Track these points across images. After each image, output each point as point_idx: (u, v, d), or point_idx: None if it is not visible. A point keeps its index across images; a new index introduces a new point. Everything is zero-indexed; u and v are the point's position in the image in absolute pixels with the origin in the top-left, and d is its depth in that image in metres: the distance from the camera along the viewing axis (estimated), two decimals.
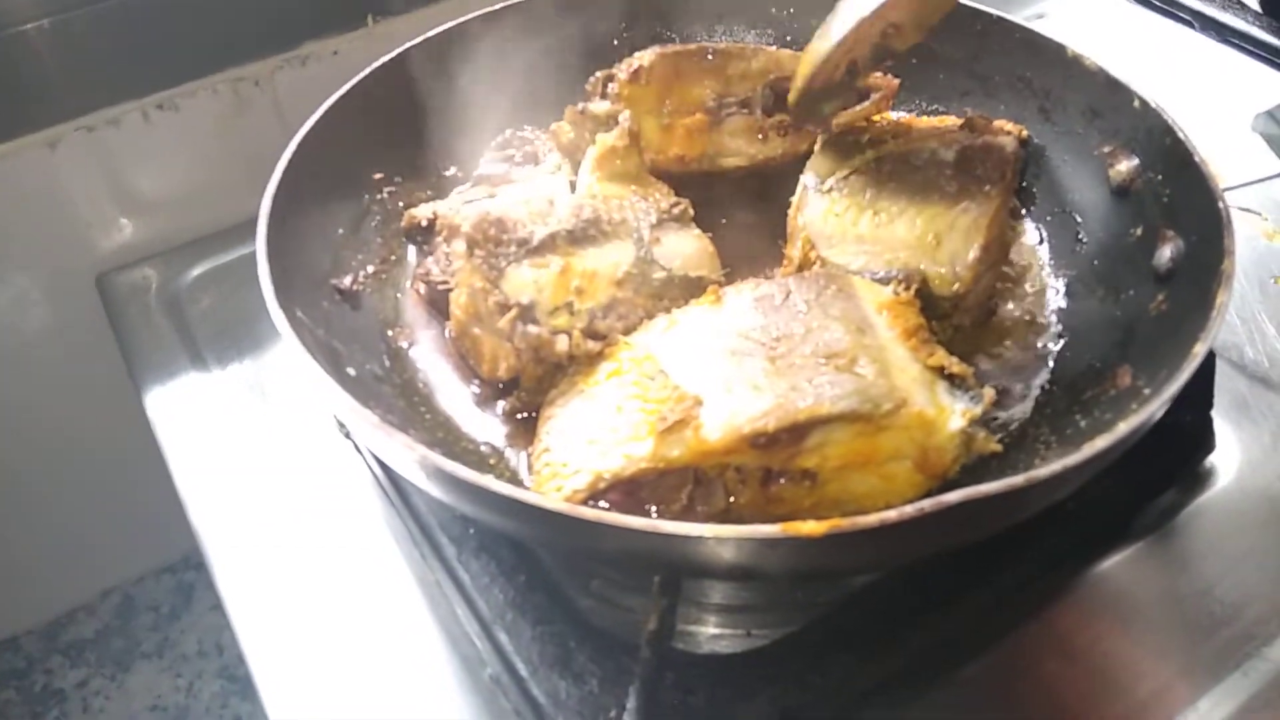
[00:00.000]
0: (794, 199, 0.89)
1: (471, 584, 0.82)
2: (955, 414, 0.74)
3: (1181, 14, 1.45)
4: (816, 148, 0.93)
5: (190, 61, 1.21)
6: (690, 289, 0.84)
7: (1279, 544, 0.84)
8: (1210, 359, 0.85)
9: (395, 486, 0.91)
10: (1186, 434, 0.89)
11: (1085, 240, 0.95)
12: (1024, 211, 1.00)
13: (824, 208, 0.86)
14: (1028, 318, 0.91)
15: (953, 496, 0.58)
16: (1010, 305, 0.93)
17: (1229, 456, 0.90)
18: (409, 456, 0.64)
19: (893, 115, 1.04)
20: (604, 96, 1.01)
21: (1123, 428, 0.64)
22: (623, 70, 1.00)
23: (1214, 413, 0.89)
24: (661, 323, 0.81)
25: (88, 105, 1.18)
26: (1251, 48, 1.37)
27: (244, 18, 1.20)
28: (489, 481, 0.61)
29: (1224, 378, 0.93)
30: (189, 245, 1.22)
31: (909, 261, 0.83)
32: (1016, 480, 0.60)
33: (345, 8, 1.27)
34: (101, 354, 1.18)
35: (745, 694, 0.74)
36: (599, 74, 1.02)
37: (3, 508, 1.46)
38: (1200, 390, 0.87)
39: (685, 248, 0.86)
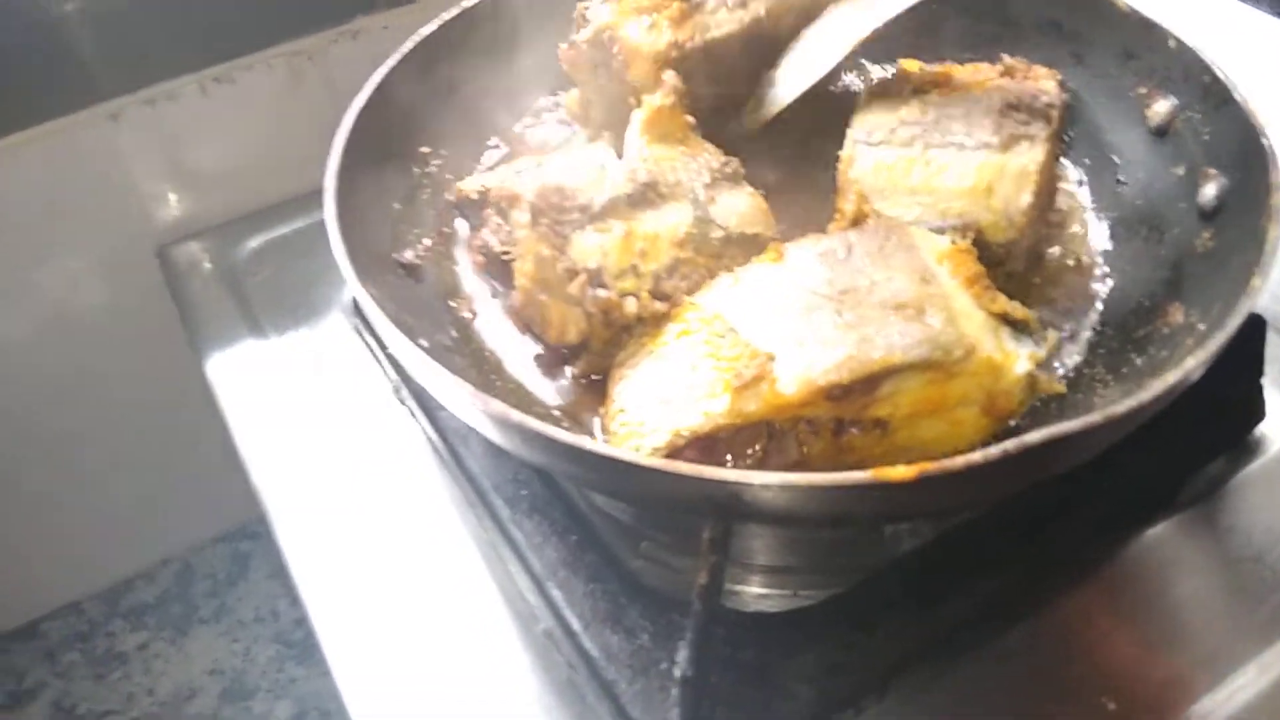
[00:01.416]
0: (843, 153, 0.90)
1: (525, 543, 0.85)
2: (1021, 358, 0.76)
3: None
4: (862, 99, 0.95)
5: (246, 36, 1.23)
6: (748, 246, 0.86)
7: None
8: (1261, 326, 0.86)
9: (450, 451, 0.94)
10: (1236, 402, 0.90)
11: (1126, 182, 0.97)
12: (1062, 155, 1.02)
13: (875, 161, 0.88)
14: (1074, 261, 0.93)
15: (1035, 437, 0.61)
16: (1056, 249, 0.94)
17: (1275, 430, 0.91)
18: (506, 421, 0.66)
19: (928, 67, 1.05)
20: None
21: (1190, 362, 0.66)
22: None
23: (1265, 381, 0.90)
24: (726, 281, 0.82)
25: (147, 79, 1.20)
26: None
27: None
28: (585, 442, 0.64)
29: (1276, 347, 0.92)
30: (246, 218, 1.25)
31: (963, 211, 0.85)
32: (1094, 418, 0.62)
33: None
34: (162, 325, 1.21)
35: (791, 651, 0.77)
36: (579, 6, 1.00)
37: (68, 477, 1.51)
38: (1250, 358, 0.88)
39: (740, 205, 0.88)
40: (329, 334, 1.09)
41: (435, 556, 0.88)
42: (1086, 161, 1.01)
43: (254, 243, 1.23)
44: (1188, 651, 0.78)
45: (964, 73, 0.95)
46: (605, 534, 0.86)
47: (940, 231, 0.84)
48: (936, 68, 0.97)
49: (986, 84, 0.92)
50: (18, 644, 1.73)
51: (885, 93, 0.93)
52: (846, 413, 0.74)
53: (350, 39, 1.28)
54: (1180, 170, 0.91)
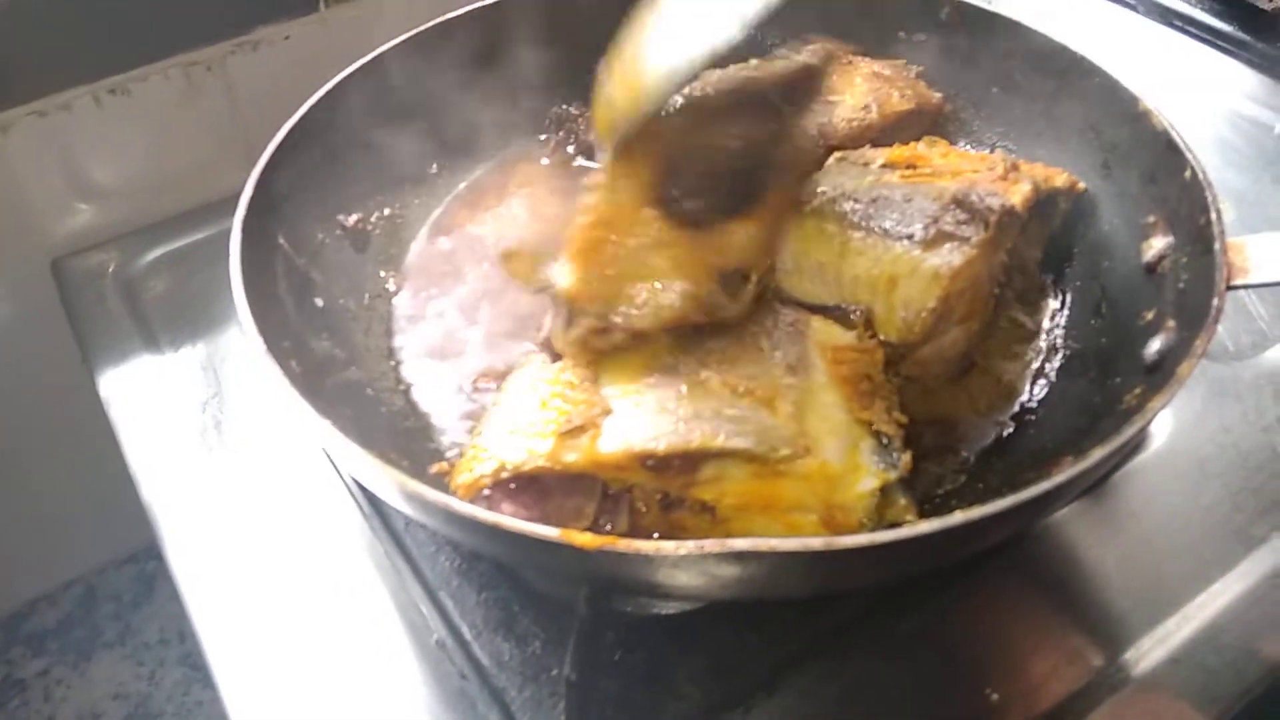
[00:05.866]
0: None
1: (418, 553, 0.85)
2: (869, 475, 0.70)
3: None
4: (829, 162, 0.90)
5: (141, 46, 1.20)
6: None
7: (1207, 504, 0.87)
8: None
9: None
10: None
11: (1104, 314, 0.88)
12: (1053, 274, 0.94)
13: (794, 228, 0.84)
14: (1008, 388, 0.86)
15: (739, 543, 0.57)
16: (1002, 369, 0.87)
17: (1162, 422, 0.91)
18: (280, 387, 0.68)
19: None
20: None
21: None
22: None
23: None
24: None
25: (39, 90, 1.16)
26: (1198, 32, 1.36)
27: (195, 3, 1.20)
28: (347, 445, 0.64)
29: None
30: (144, 230, 1.21)
31: (859, 300, 0.79)
32: (814, 543, 0.57)
33: None
34: (58, 340, 1.16)
35: (681, 652, 0.77)
36: None
37: None
38: None
39: None
40: (225, 346, 1.06)
41: (329, 567, 0.86)
42: (1078, 284, 0.92)
43: (151, 256, 1.18)
44: (1070, 641, 0.78)
45: (943, 160, 0.88)
46: None
47: (831, 310, 0.79)
48: (910, 150, 0.90)
49: (957, 175, 0.85)
50: None
51: (851, 162, 0.88)
52: (670, 487, 0.71)
53: (250, 50, 1.24)
54: (1150, 315, 0.81)
